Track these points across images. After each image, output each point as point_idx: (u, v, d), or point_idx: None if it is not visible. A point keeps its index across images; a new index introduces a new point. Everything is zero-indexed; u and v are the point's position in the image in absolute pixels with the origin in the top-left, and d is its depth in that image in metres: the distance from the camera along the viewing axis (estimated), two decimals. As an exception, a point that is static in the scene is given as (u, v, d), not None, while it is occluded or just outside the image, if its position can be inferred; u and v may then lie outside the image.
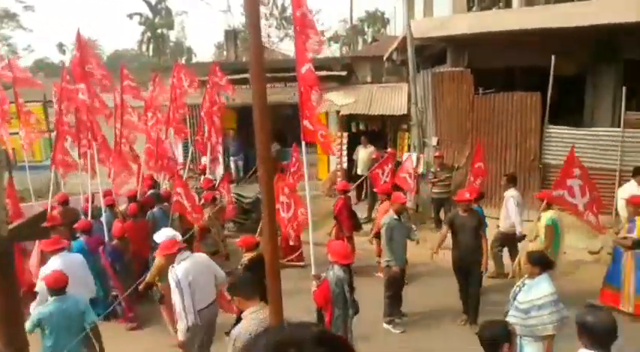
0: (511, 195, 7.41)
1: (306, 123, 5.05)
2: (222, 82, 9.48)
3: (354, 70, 16.04)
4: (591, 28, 9.47)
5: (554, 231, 6.26)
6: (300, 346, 0.92)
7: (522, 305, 4.05)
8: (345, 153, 11.64)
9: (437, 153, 9.89)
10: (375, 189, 8.97)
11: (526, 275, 4.33)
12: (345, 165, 11.28)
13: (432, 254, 6.39)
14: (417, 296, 6.81)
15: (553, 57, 8.84)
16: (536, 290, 4.03)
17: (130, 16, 38.83)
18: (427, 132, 10.62)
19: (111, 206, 7.83)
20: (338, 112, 11.88)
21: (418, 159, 10.46)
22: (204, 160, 10.06)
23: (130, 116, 9.14)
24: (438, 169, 9.51)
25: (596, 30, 9.62)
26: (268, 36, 33.54)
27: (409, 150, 11.17)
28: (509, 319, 4.06)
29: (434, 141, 10.32)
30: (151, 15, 38.92)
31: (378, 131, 12.38)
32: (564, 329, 3.91)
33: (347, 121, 12.15)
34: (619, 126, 8.92)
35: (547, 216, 6.30)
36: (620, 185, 8.28)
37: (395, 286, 6.18)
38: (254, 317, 3.41)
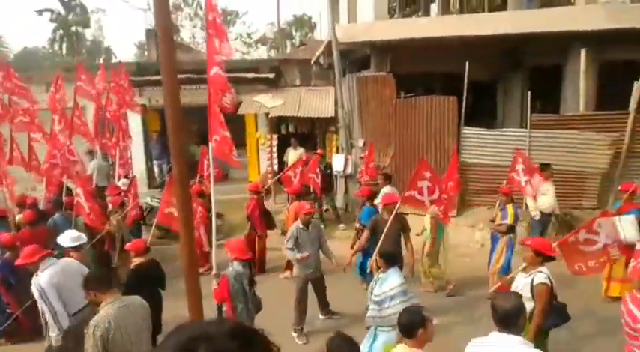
0: (386, 191, 7.84)
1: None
2: (126, 84, 9.37)
3: (283, 72, 16.11)
4: (501, 37, 10.27)
5: (437, 225, 6.86)
6: (212, 340, 0.92)
7: (377, 298, 4.41)
8: (275, 154, 11.64)
9: (364, 154, 10.21)
10: (357, 193, 9.07)
11: (380, 271, 4.73)
12: (275, 167, 11.28)
13: (345, 268, 6.35)
14: (346, 299, 6.72)
15: (467, 63, 9.45)
16: (388, 282, 4.41)
17: (40, 12, 36.03)
18: (354, 133, 10.92)
19: (2, 217, 7.27)
20: (267, 114, 11.86)
21: (346, 160, 10.73)
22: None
23: (24, 117, 8.54)
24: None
25: (506, 39, 10.46)
26: (193, 36, 32.70)
27: (338, 151, 11.41)
28: (368, 313, 4.48)
29: (360, 142, 10.63)
30: (63, 12, 36.36)
31: (308, 133, 12.51)
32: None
33: (277, 123, 12.17)
34: (526, 127, 9.74)
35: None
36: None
37: (300, 295, 6.01)
38: (111, 306, 3.57)
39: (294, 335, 5.97)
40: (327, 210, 10.64)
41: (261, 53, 35.38)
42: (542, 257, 4.15)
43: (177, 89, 2.88)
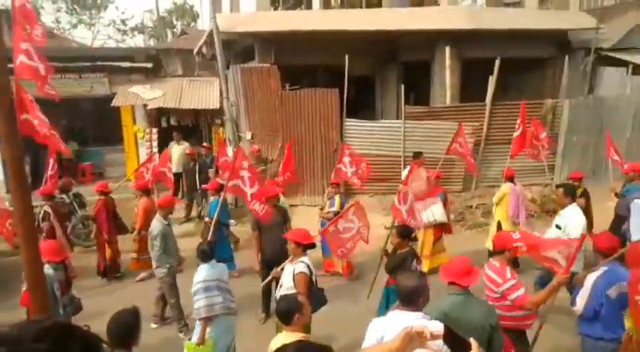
0: None
1: (26, 117, 4.98)
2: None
3: (163, 62, 15.25)
4: (378, 33, 10.86)
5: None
6: (16, 344, 0.90)
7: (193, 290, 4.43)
8: (156, 149, 10.99)
9: (253, 147, 10.11)
10: (204, 187, 8.68)
11: None
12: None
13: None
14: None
15: (347, 57, 9.82)
16: (195, 278, 4.46)
17: None
18: (241, 126, 10.76)
19: None
20: (146, 106, 11.14)
21: (234, 153, 10.52)
22: None
23: None
24: (255, 163, 9.72)
25: (382, 35, 11.08)
26: (57, 21, 29.47)
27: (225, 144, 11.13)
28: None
29: (248, 135, 10.51)
30: None
31: (192, 126, 12.02)
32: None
33: (157, 116, 11.48)
34: (401, 119, 10.45)
35: (282, 200, 6.88)
36: (404, 168, 9.72)
37: (173, 291, 5.84)
38: None
39: (181, 334, 5.75)
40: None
41: (138, 42, 33.12)
42: (302, 247, 4.36)
43: (7, 83, 2.52)
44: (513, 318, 3.69)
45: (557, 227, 5.23)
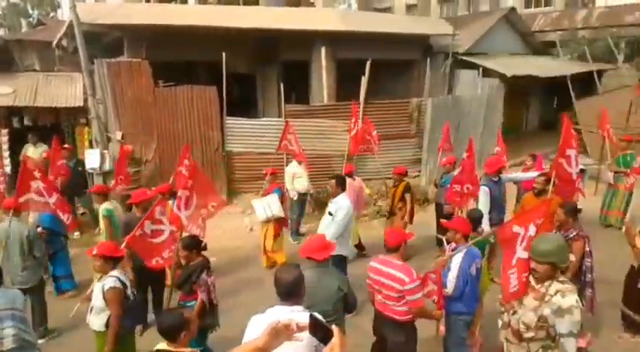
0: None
1: None
2: None
3: (16, 56, 13.48)
4: (257, 31, 10.81)
5: (111, 222, 6.14)
6: None
7: None
8: (7, 153, 9.68)
9: (126, 147, 9.41)
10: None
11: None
12: (8, 169, 9.32)
13: None
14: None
15: (224, 54, 9.62)
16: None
17: None
18: (110, 125, 9.94)
19: None
20: (-8, 105, 9.72)
21: (102, 155, 9.70)
22: None
23: None
24: (128, 164, 9.04)
25: (261, 34, 11.06)
26: None
27: (92, 146, 10.21)
28: None
29: (118, 135, 9.74)
30: None
31: (52, 126, 10.78)
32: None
33: (7, 115, 10.08)
34: (282, 117, 10.53)
35: (102, 207, 6.21)
36: (287, 165, 9.82)
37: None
38: None
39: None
40: (82, 213, 9.45)
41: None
42: (112, 261, 4.02)
43: None
44: (396, 311, 3.82)
45: (330, 214, 5.75)
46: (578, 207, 4.88)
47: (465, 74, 13.13)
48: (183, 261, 4.57)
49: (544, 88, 16.66)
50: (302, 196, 8.74)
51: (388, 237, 3.88)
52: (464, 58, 13.39)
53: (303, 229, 8.98)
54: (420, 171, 11.55)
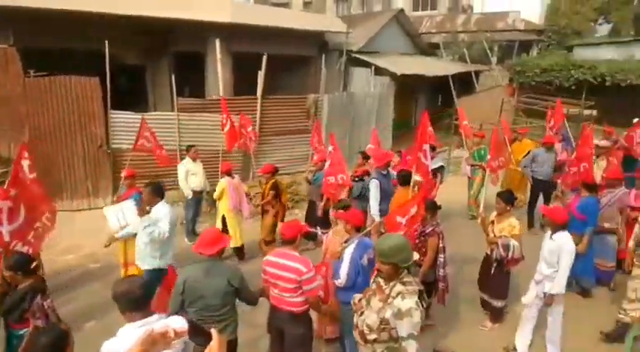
0: None
1: None
2: None
3: None
4: (146, 20, 10.14)
5: None
6: None
7: None
8: None
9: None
10: None
11: None
12: None
13: None
14: None
15: (107, 43, 8.89)
16: None
17: None
18: (-31, 120, 8.71)
19: None
20: None
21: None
22: None
23: None
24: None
25: (151, 23, 10.40)
26: None
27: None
28: None
29: (-19, 131, 8.58)
30: None
31: None
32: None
33: None
34: (175, 111, 10.05)
35: None
36: (180, 161, 9.39)
37: None
38: None
39: None
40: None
41: None
42: None
43: None
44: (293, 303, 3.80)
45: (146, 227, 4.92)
46: (438, 203, 5.14)
47: (359, 71, 13.65)
48: (8, 285, 3.82)
49: (431, 86, 17.97)
50: (197, 195, 8.42)
51: (284, 230, 3.89)
52: (357, 55, 13.90)
53: (199, 229, 8.67)
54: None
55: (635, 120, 8.88)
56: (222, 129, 8.93)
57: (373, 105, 12.97)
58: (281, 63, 12.32)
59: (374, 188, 6.24)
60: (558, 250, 4.45)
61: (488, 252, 5.19)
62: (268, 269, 3.86)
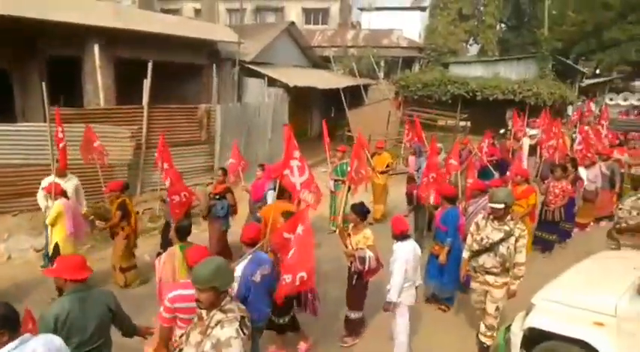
0: None
1: None
2: None
3: None
4: (10, 19, 9.03)
5: None
6: None
7: None
8: None
9: None
10: None
11: None
12: None
13: None
14: None
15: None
16: None
17: None
18: None
19: None
20: None
21: None
22: None
23: None
24: None
25: (19, 24, 9.30)
26: None
27: None
28: None
29: None
30: None
31: None
32: None
33: None
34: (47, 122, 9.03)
35: None
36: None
37: None
38: None
39: None
40: None
41: None
42: None
43: None
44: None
45: None
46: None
47: (253, 82, 13.59)
48: None
49: (324, 98, 18.51)
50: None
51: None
52: (250, 66, 13.83)
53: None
54: (213, 179, 11.40)
55: (502, 131, 10.04)
56: (58, 145, 7.73)
57: (268, 116, 12.96)
58: (171, 71, 11.76)
59: (270, 199, 6.21)
60: (394, 259, 4.65)
61: (349, 265, 5.12)
62: (179, 305, 3.35)
